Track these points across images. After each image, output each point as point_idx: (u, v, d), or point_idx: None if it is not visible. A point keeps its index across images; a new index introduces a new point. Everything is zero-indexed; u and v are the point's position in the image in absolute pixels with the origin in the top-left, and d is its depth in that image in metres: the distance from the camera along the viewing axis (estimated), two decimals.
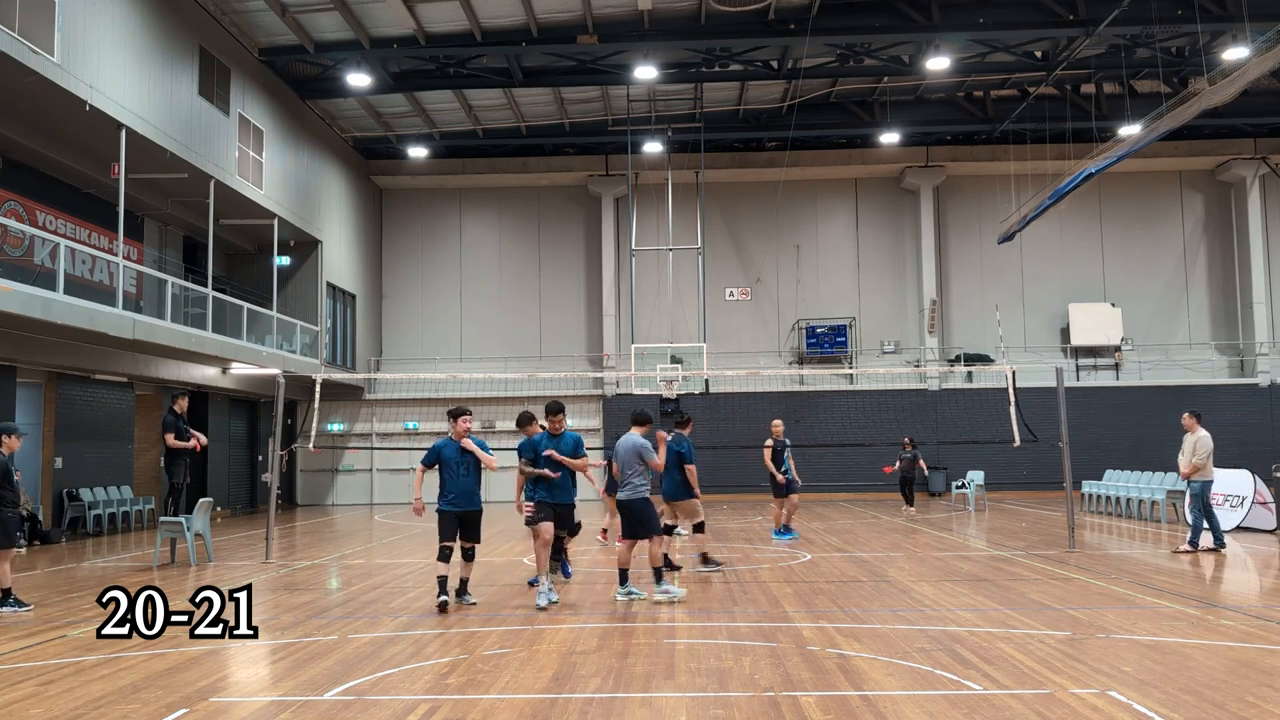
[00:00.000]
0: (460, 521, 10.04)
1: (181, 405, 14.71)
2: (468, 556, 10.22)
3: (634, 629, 8.76)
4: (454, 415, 10.18)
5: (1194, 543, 14.02)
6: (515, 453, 10.40)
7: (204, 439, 14.94)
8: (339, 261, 29.01)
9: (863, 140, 31.79)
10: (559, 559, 11.54)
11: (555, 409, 10.14)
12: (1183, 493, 19.36)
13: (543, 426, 10.39)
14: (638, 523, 10.32)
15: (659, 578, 10.37)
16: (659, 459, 10.56)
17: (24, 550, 16.62)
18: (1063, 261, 32.23)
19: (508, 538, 17.81)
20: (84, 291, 16.84)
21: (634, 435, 10.52)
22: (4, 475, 10.44)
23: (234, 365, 23.68)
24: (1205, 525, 14.11)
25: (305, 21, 22.83)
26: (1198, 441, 14.07)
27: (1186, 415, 14.42)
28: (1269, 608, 9.58)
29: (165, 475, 14.67)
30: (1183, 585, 11.13)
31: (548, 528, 9.93)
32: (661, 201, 31.63)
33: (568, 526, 10.22)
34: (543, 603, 9.80)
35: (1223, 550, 13.98)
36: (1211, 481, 14.27)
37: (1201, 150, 31.54)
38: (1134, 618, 9.05)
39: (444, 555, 9.95)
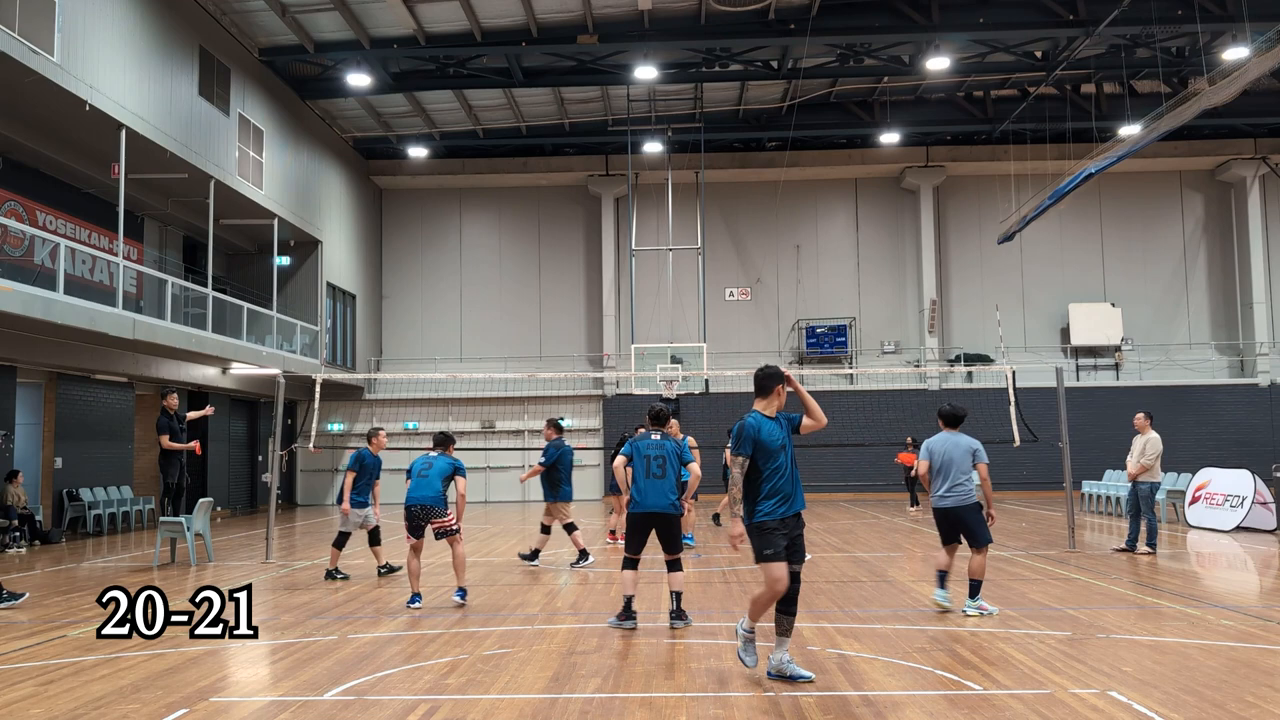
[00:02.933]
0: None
1: (171, 403, 14.62)
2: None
3: (634, 629, 8.75)
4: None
5: (1149, 543, 13.97)
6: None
7: (196, 447, 14.94)
8: (339, 261, 29.01)
9: (863, 140, 31.79)
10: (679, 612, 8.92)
11: (774, 377, 6.99)
12: (1182, 492, 19.48)
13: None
14: (974, 531, 9.19)
15: (976, 591, 9.27)
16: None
17: (24, 550, 16.63)
18: (1063, 261, 32.22)
19: (509, 537, 17.82)
20: (84, 291, 16.85)
21: (956, 434, 9.50)
22: None
23: (234, 365, 23.67)
24: (1144, 524, 14.09)
25: (305, 21, 22.83)
26: (1148, 443, 13.99)
27: (1140, 416, 14.26)
28: (1269, 608, 9.58)
29: (161, 475, 14.68)
30: (1183, 585, 11.13)
31: (781, 574, 6.59)
32: (661, 201, 31.62)
33: (801, 560, 6.82)
34: (751, 662, 6.81)
35: (1154, 553, 13.89)
36: (1159, 484, 14.21)
37: (1201, 150, 31.53)
38: (1134, 618, 9.05)
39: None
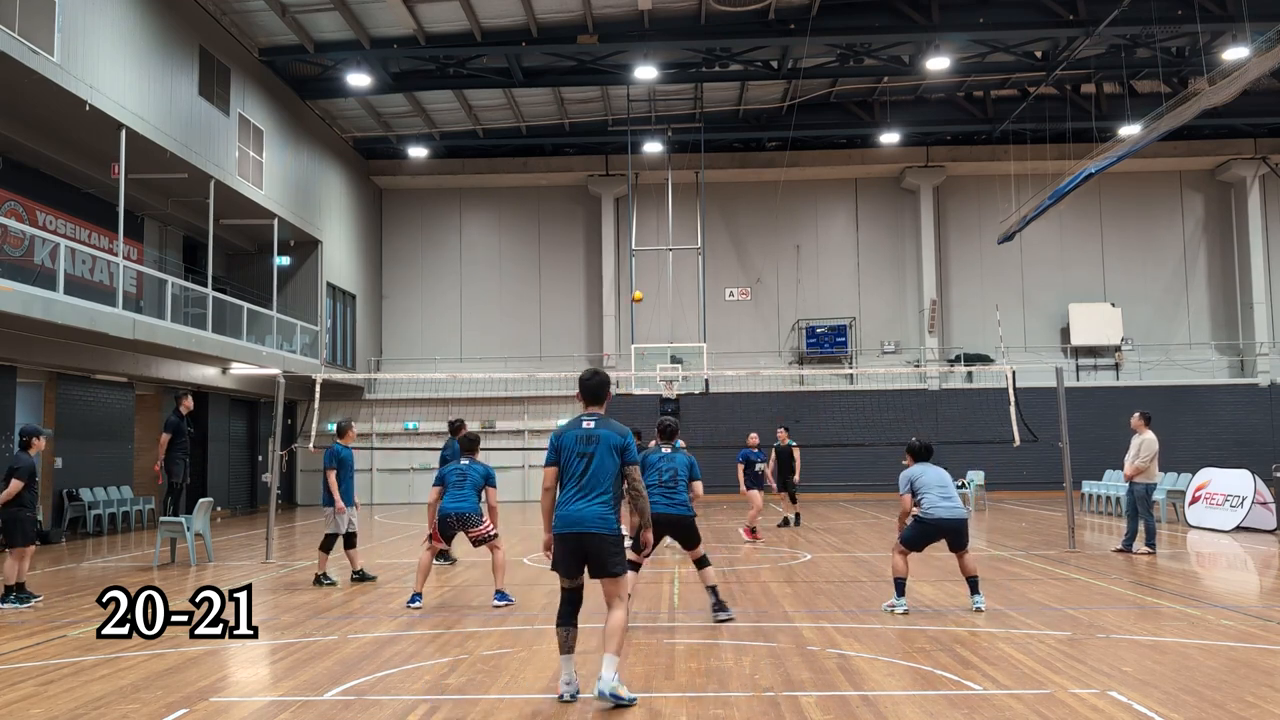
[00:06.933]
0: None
1: (187, 405, 14.77)
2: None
3: (634, 629, 8.75)
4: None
5: (1148, 544, 13.91)
6: None
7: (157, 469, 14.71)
8: (339, 261, 29.01)
9: (863, 140, 31.78)
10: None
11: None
12: (1182, 492, 19.48)
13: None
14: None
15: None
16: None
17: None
18: (1063, 261, 32.22)
19: (509, 537, 17.80)
20: (84, 291, 16.84)
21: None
22: (31, 475, 10.64)
23: (234, 365, 23.67)
24: (1140, 524, 14.04)
25: (305, 21, 22.82)
26: (1143, 443, 13.94)
27: (1136, 416, 14.20)
28: (1269, 608, 9.58)
29: (164, 474, 14.68)
30: (1183, 585, 11.13)
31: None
32: (661, 201, 31.62)
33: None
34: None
35: (1153, 553, 13.83)
36: (1156, 484, 14.12)
37: (1201, 150, 31.52)
38: (1134, 618, 9.05)
39: None
